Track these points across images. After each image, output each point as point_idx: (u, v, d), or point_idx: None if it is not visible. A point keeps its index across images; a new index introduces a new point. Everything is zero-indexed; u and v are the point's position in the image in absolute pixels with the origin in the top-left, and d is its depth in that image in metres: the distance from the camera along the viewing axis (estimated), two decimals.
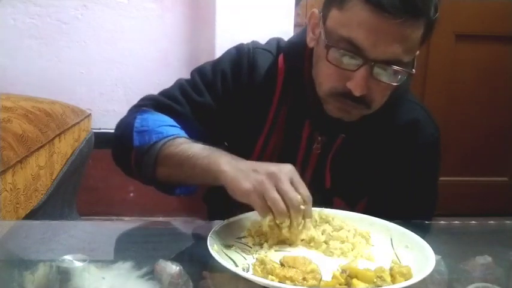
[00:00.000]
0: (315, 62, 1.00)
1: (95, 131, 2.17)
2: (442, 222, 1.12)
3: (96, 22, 2.24)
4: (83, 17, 2.23)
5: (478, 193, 2.68)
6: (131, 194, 2.18)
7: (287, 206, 0.81)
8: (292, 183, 0.82)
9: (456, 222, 1.11)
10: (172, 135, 1.00)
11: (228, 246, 0.84)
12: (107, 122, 2.29)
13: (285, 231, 0.84)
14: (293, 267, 0.74)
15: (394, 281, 0.73)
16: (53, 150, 1.65)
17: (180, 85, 1.12)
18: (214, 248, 0.78)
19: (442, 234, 1.10)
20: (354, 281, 0.73)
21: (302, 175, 1.09)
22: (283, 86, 1.08)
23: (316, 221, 0.92)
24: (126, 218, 2.22)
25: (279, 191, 0.81)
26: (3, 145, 1.32)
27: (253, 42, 1.13)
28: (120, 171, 1.11)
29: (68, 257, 0.71)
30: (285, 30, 2.04)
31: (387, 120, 1.07)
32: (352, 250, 0.86)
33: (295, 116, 1.08)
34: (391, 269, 0.75)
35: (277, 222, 0.83)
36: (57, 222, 1.57)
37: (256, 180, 0.81)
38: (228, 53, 1.13)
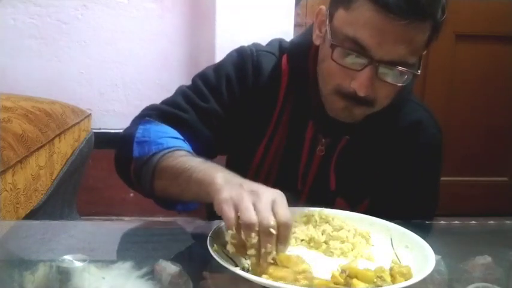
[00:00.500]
0: (320, 60, 1.00)
1: (95, 131, 2.17)
2: (442, 222, 1.12)
3: (96, 22, 2.24)
4: (83, 17, 2.23)
5: (478, 193, 2.68)
6: (131, 194, 2.18)
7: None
8: (273, 204, 0.75)
9: (456, 222, 1.11)
10: (173, 147, 0.97)
11: (229, 247, 0.83)
12: (107, 122, 2.29)
13: (250, 252, 0.73)
14: (286, 267, 0.73)
15: (394, 281, 0.73)
16: (53, 150, 1.65)
17: (182, 92, 1.10)
18: (214, 248, 0.77)
19: (442, 234, 1.10)
20: (354, 281, 0.73)
21: (305, 177, 1.11)
22: (287, 87, 1.08)
23: (316, 221, 0.92)
24: (126, 218, 2.22)
25: (254, 209, 0.73)
26: (3, 145, 1.32)
27: (254, 44, 1.12)
28: None
29: (68, 257, 0.71)
30: (285, 30, 2.05)
31: (390, 121, 1.07)
32: (352, 250, 0.86)
33: (298, 118, 1.08)
34: (391, 269, 0.75)
35: (243, 237, 0.73)
36: (57, 222, 1.58)
37: (235, 193, 0.75)
38: (230, 56, 1.11)
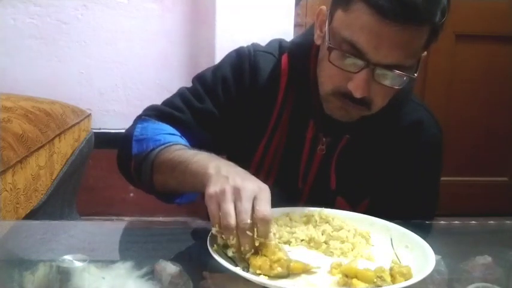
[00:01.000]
0: (320, 59, 1.00)
1: (95, 131, 2.18)
2: (442, 222, 1.13)
3: (96, 22, 2.24)
4: (83, 17, 2.24)
5: (478, 193, 2.68)
6: (131, 194, 2.19)
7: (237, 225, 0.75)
8: (255, 200, 0.76)
9: (456, 222, 1.11)
10: (170, 142, 1.00)
11: (228, 246, 0.83)
12: (107, 122, 2.29)
13: (232, 250, 0.77)
14: (264, 255, 0.75)
15: (394, 281, 0.73)
16: (53, 150, 1.65)
17: (181, 93, 1.12)
18: (214, 248, 0.78)
19: (442, 234, 1.10)
20: (354, 281, 0.73)
21: (306, 176, 1.11)
22: (287, 87, 1.08)
23: (316, 221, 0.92)
24: (126, 218, 2.22)
25: (235, 207, 0.76)
26: (3, 145, 1.32)
27: (253, 44, 1.13)
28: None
29: (68, 257, 0.71)
30: (285, 30, 2.05)
31: (391, 120, 1.07)
32: (352, 250, 0.85)
33: (299, 117, 1.08)
34: (391, 269, 0.75)
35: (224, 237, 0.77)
36: (57, 222, 1.58)
37: (220, 189, 0.78)
38: (228, 57, 1.12)
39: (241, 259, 0.77)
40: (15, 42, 2.20)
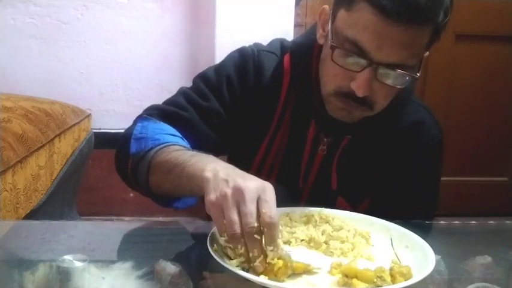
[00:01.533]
0: (322, 59, 1.00)
1: (95, 131, 2.18)
2: (442, 222, 1.13)
3: (96, 22, 2.24)
4: (83, 17, 2.24)
5: (478, 193, 2.68)
6: (131, 194, 2.18)
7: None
8: (259, 201, 0.73)
9: (456, 222, 1.11)
10: (168, 142, 0.97)
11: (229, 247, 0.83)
12: (107, 122, 2.30)
13: (240, 259, 0.73)
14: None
15: (394, 281, 0.73)
16: (53, 150, 1.65)
17: (183, 92, 1.10)
18: (214, 248, 0.77)
19: (442, 234, 1.10)
20: (354, 281, 0.73)
21: (307, 176, 1.11)
22: (289, 87, 1.08)
23: (316, 221, 0.92)
24: (126, 218, 2.23)
25: (239, 212, 0.72)
26: (3, 145, 1.32)
27: (255, 44, 1.13)
28: None
29: (68, 257, 0.71)
30: (285, 30, 2.05)
31: (392, 121, 1.07)
32: (352, 250, 0.85)
33: (300, 117, 1.08)
34: (391, 269, 0.75)
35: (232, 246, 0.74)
36: (57, 222, 1.58)
37: (220, 194, 0.73)
38: (230, 56, 1.11)
39: (248, 264, 0.73)
40: (15, 42, 2.20)
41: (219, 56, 1.16)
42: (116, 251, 0.95)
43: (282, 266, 0.73)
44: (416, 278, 0.72)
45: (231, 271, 0.72)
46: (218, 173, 0.77)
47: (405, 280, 0.72)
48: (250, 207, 0.72)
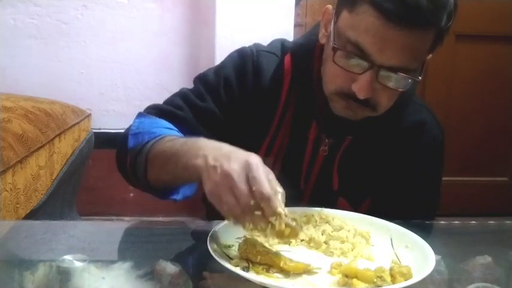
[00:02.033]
0: (324, 59, 1.00)
1: (95, 131, 2.18)
2: (442, 222, 1.13)
3: (96, 22, 2.24)
4: (83, 17, 2.24)
5: (478, 193, 2.68)
6: (131, 194, 2.19)
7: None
8: (249, 180, 0.74)
9: (456, 222, 1.11)
10: (164, 134, 0.98)
11: (228, 246, 0.84)
12: (107, 122, 2.30)
13: (253, 233, 0.80)
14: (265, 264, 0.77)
15: (394, 281, 0.73)
16: (53, 150, 1.66)
17: (181, 93, 1.11)
18: (214, 248, 0.78)
19: (442, 234, 1.10)
20: (354, 281, 0.73)
21: (308, 176, 1.11)
22: (290, 87, 1.08)
23: (316, 221, 0.92)
24: (126, 218, 2.22)
25: (234, 195, 0.75)
26: (3, 145, 1.32)
27: (255, 44, 1.13)
28: None
29: (68, 257, 0.71)
30: (285, 30, 2.05)
31: (393, 121, 1.07)
32: (352, 250, 0.86)
33: (301, 118, 1.08)
34: (391, 269, 0.75)
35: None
36: (57, 222, 1.58)
37: (213, 182, 0.77)
38: (230, 57, 1.11)
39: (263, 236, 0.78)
40: (15, 42, 2.20)
41: (219, 56, 1.16)
42: (116, 251, 0.95)
43: (290, 231, 0.75)
44: (416, 278, 0.72)
45: (231, 271, 0.73)
46: (207, 160, 0.79)
47: (405, 280, 0.72)
48: (242, 188, 0.74)
